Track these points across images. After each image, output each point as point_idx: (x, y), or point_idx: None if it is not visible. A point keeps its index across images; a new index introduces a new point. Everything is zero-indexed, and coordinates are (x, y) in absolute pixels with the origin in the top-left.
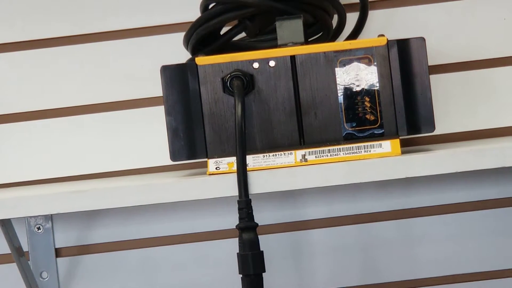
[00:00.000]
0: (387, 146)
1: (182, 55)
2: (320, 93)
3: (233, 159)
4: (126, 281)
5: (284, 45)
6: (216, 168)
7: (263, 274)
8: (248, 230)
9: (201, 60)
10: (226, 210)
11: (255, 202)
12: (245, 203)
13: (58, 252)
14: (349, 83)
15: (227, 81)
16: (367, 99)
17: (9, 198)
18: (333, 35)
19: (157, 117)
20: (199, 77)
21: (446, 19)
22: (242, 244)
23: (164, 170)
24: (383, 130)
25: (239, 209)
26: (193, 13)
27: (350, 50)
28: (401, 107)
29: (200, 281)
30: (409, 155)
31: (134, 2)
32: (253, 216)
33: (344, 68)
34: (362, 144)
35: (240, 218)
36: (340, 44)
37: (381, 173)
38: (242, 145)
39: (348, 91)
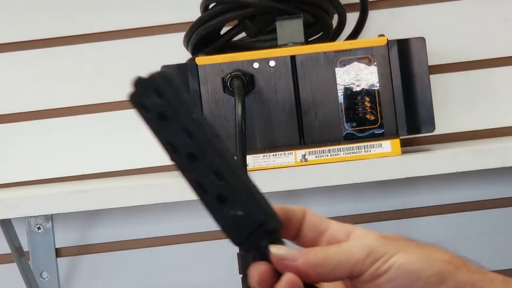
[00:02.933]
0: (387, 146)
1: (182, 55)
2: (320, 93)
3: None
4: (126, 281)
5: (284, 45)
6: None
7: None
8: None
9: (201, 60)
10: None
11: None
12: None
13: (58, 252)
14: (349, 83)
15: (227, 81)
16: (367, 99)
17: (9, 198)
18: (333, 35)
19: None
20: (199, 77)
21: (446, 19)
22: None
23: (164, 170)
24: (383, 130)
25: None
26: (193, 13)
27: (350, 50)
28: (401, 107)
29: (200, 281)
30: (409, 155)
31: (134, 2)
32: None
33: (344, 68)
34: (362, 144)
35: None
36: (340, 44)
37: (381, 173)
38: (242, 145)
39: (348, 91)
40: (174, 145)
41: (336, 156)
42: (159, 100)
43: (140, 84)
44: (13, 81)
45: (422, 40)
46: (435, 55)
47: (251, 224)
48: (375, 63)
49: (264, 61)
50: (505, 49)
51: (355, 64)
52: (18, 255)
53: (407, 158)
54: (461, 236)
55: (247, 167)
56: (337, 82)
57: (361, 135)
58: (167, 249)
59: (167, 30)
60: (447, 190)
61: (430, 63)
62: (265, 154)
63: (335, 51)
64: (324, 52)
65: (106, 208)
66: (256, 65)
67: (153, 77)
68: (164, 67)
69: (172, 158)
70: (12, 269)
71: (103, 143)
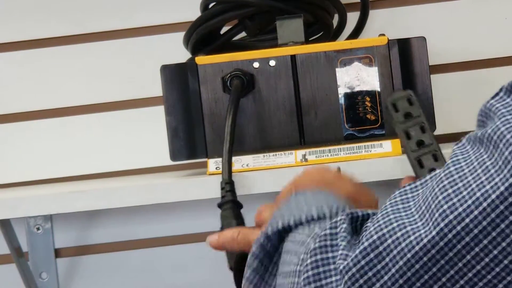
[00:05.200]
0: (388, 146)
1: (182, 55)
2: (320, 92)
3: (233, 159)
4: (126, 282)
5: (285, 44)
6: (216, 168)
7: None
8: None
9: (201, 60)
10: None
11: (255, 202)
12: (224, 183)
13: (58, 253)
14: (349, 83)
15: (227, 80)
16: (368, 98)
17: (9, 198)
18: (333, 35)
19: (157, 117)
20: (199, 76)
21: (447, 19)
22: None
23: (164, 170)
24: (383, 130)
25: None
26: (193, 13)
27: (351, 49)
28: None
29: (200, 281)
30: None
31: (134, 2)
32: (234, 192)
33: (345, 67)
34: (362, 144)
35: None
36: (341, 43)
37: (382, 173)
38: (229, 153)
39: (348, 91)
40: (409, 134)
41: (337, 156)
42: (408, 105)
43: (399, 93)
44: (13, 81)
45: (422, 39)
46: (436, 54)
47: None
48: (376, 62)
49: (264, 61)
50: (506, 49)
51: (356, 63)
52: (17, 255)
53: None
54: None
55: (247, 167)
56: (338, 82)
57: (361, 135)
58: (167, 249)
59: (167, 29)
60: None
61: (430, 63)
62: (265, 154)
63: (336, 51)
64: (325, 52)
65: (106, 208)
66: (256, 64)
67: (408, 91)
68: (164, 66)
69: (404, 143)
70: (11, 270)
71: (103, 143)
